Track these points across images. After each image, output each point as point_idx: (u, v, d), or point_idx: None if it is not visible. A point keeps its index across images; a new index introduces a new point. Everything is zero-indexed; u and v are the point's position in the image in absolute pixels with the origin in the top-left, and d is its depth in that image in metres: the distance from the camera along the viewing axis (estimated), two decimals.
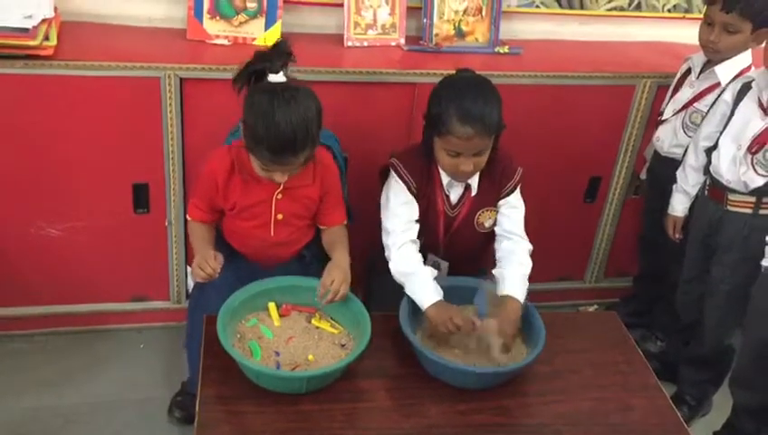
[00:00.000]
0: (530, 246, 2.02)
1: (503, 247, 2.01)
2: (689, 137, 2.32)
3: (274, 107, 1.71)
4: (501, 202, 2.02)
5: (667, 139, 2.43)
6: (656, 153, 2.52)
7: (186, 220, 2.39)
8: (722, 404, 2.38)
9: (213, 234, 2.01)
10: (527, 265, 1.97)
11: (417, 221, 1.99)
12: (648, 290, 2.79)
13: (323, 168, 1.97)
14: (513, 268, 1.94)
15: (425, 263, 1.99)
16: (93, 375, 2.39)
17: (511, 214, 2.02)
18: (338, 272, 1.83)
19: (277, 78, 1.77)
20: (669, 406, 1.80)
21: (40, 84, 2.12)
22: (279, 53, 1.79)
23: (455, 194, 2.01)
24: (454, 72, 1.97)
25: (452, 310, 1.83)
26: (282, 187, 1.91)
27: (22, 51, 2.05)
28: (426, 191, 1.99)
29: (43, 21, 2.13)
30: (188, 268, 2.50)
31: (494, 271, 1.96)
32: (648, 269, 2.77)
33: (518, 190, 2.03)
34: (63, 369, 2.39)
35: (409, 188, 1.97)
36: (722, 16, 2.18)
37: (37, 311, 2.48)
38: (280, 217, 1.96)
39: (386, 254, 1.98)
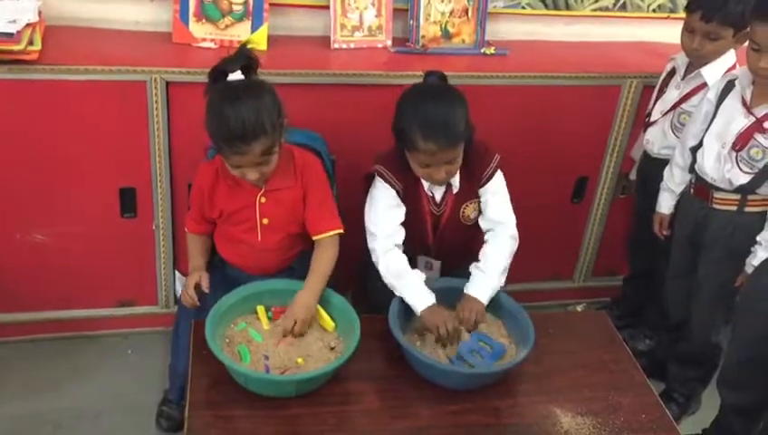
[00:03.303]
0: (513, 232, 2.01)
1: (486, 239, 2.02)
2: (678, 138, 2.33)
3: (224, 100, 1.76)
4: (481, 190, 2.01)
5: (656, 141, 2.44)
6: (645, 154, 2.53)
7: (173, 224, 2.40)
8: (711, 402, 2.39)
9: (208, 244, 2.07)
10: (502, 255, 1.98)
11: (402, 224, 1.99)
12: (638, 291, 2.79)
13: (304, 167, 1.97)
14: (481, 266, 1.95)
15: (416, 265, 1.99)
16: (81, 381, 2.37)
17: (492, 201, 2.02)
18: (299, 311, 1.82)
19: (235, 76, 1.80)
20: (658, 404, 1.81)
21: (24, 89, 2.10)
22: (239, 57, 1.82)
23: (438, 193, 2.01)
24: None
25: (445, 314, 1.85)
26: (263, 190, 1.92)
27: (6, 56, 2.03)
28: (411, 194, 1.99)
29: (28, 25, 2.11)
30: (176, 273, 2.49)
31: (471, 267, 1.97)
32: (638, 270, 2.78)
33: (498, 176, 2.01)
34: (51, 375, 2.37)
35: (397, 192, 1.97)
36: (702, 25, 2.20)
37: (23, 317, 2.45)
38: (266, 221, 1.96)
39: (372, 258, 1.98)
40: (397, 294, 1.90)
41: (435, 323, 1.83)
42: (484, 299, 1.90)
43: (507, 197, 2.03)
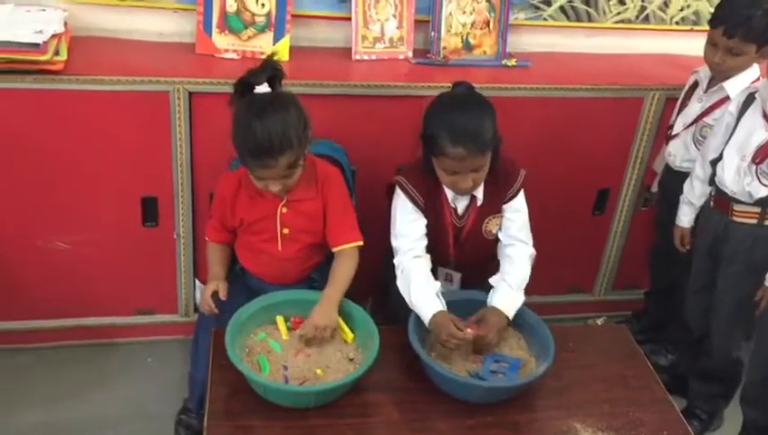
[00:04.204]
0: (532, 251, 2.02)
1: (505, 253, 2.01)
2: (700, 151, 2.31)
3: (251, 113, 1.76)
4: (505, 206, 2.01)
5: (678, 153, 2.42)
6: (667, 167, 2.51)
7: (194, 234, 2.41)
8: (734, 418, 2.35)
9: (228, 254, 2.07)
10: (524, 273, 1.97)
11: (426, 235, 1.99)
12: (659, 305, 2.76)
13: (325, 178, 1.97)
14: (508, 281, 1.94)
15: (436, 276, 1.99)
16: (101, 389, 2.39)
17: (515, 218, 2.01)
18: (318, 319, 1.81)
19: (261, 89, 1.80)
20: (680, 420, 1.79)
21: (50, 99, 2.13)
22: (265, 69, 1.82)
23: (461, 205, 2.01)
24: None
25: (451, 324, 1.82)
26: (285, 200, 1.93)
27: (32, 66, 2.06)
28: (433, 205, 1.99)
29: (54, 36, 2.14)
30: (197, 282, 2.51)
31: (490, 280, 1.96)
32: (659, 284, 2.75)
33: (522, 193, 2.01)
34: (71, 383, 2.39)
35: (417, 205, 1.97)
36: (725, 41, 2.18)
37: (44, 324, 2.48)
38: (286, 231, 1.97)
39: (396, 272, 1.98)
40: (410, 306, 1.90)
41: (440, 332, 1.82)
42: (510, 314, 1.89)
43: (527, 215, 2.03)
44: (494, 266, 2.03)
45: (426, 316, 1.85)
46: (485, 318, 1.87)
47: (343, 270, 1.93)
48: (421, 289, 1.90)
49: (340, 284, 1.90)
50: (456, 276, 2.09)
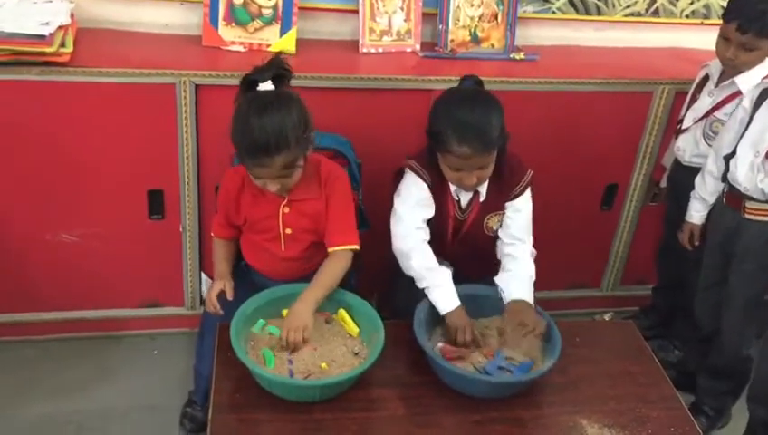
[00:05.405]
0: (533, 250, 2.00)
1: (506, 252, 2.00)
2: (710, 146, 2.30)
3: (251, 110, 1.74)
4: (507, 204, 1.99)
5: (688, 148, 2.41)
6: (677, 162, 2.50)
7: (200, 226, 2.41)
8: (742, 414, 2.34)
9: (233, 250, 2.05)
10: (531, 269, 1.96)
11: (428, 221, 1.98)
12: (667, 301, 2.75)
13: (328, 178, 1.94)
14: (517, 274, 1.93)
15: None
16: (107, 382, 2.39)
17: (516, 217, 2.00)
18: (291, 321, 1.76)
19: (265, 86, 1.78)
20: (687, 417, 1.77)
21: (56, 91, 2.13)
22: (271, 66, 1.80)
23: (464, 198, 2.00)
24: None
25: (468, 320, 1.83)
26: (287, 200, 1.91)
27: (38, 57, 2.06)
28: (437, 196, 1.98)
29: (60, 27, 2.14)
30: (203, 275, 2.50)
31: (496, 278, 1.95)
32: (667, 279, 2.74)
33: (527, 193, 2.00)
34: (77, 375, 2.40)
35: (428, 186, 1.95)
36: (738, 36, 2.16)
37: (51, 317, 2.48)
38: (288, 231, 1.95)
39: (397, 244, 1.96)
40: (422, 286, 1.89)
41: (457, 326, 1.82)
42: (531, 300, 1.89)
43: (530, 215, 2.01)
44: (489, 263, 2.02)
45: (444, 308, 1.85)
46: (510, 309, 1.87)
47: (330, 272, 1.88)
48: (441, 278, 1.89)
49: (324, 284, 1.85)
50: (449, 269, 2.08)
